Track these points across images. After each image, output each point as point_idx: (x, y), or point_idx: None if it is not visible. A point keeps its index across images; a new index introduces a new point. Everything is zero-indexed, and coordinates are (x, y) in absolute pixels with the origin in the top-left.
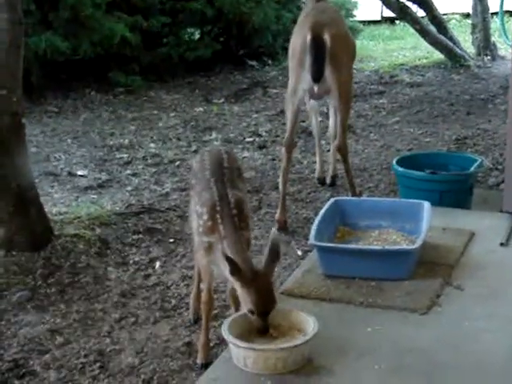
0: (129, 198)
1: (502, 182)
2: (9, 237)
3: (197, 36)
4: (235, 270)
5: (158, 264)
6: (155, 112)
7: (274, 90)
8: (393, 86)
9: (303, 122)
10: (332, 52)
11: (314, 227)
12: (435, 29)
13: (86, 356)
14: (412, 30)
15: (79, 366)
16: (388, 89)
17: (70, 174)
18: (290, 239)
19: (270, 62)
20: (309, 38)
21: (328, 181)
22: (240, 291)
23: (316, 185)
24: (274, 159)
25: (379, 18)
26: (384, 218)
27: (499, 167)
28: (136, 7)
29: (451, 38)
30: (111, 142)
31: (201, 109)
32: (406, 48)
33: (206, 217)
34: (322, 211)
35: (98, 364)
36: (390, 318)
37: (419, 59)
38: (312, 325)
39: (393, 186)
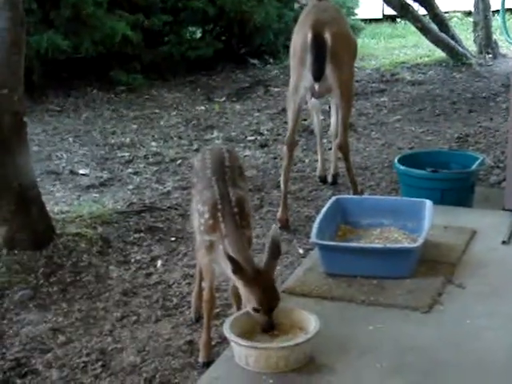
0: (130, 197)
1: (504, 180)
2: (10, 236)
3: (198, 34)
4: (237, 268)
5: (159, 262)
6: (157, 111)
7: (276, 89)
8: (394, 85)
9: (305, 120)
10: (333, 50)
11: (315, 225)
12: (437, 27)
13: (87, 355)
14: (413, 28)
15: (81, 364)
16: (389, 87)
17: (72, 172)
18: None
19: (271, 60)
20: (310, 36)
21: (329, 179)
22: (243, 290)
23: (317, 183)
24: (275, 158)
25: (380, 16)
26: (386, 217)
27: (501, 165)
28: (137, 5)
29: (453, 36)
30: (113, 141)
31: (202, 107)
32: (408, 46)
33: (207, 215)
34: (324, 209)
35: (99, 363)
36: (392, 316)
37: (421, 57)
38: (314, 323)
39: (394, 185)
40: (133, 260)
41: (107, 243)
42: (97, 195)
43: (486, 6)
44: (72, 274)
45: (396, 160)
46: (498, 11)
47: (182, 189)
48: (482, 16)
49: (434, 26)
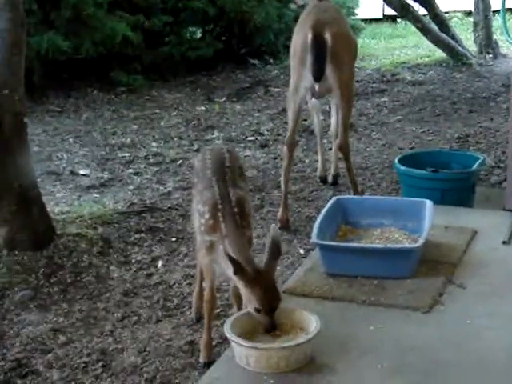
0: (131, 197)
1: (505, 180)
2: (11, 236)
3: (198, 35)
4: (238, 269)
5: (160, 263)
6: (157, 111)
7: (276, 89)
8: (394, 85)
9: (305, 120)
10: (333, 51)
11: (316, 226)
12: (437, 27)
13: (88, 355)
14: (414, 29)
15: (82, 365)
16: (390, 87)
17: (72, 173)
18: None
19: (271, 60)
20: (310, 36)
21: (330, 179)
22: (244, 290)
23: (318, 183)
24: (275, 158)
25: (381, 17)
26: (386, 217)
27: (501, 165)
28: (138, 6)
29: (453, 36)
30: (113, 141)
31: (203, 108)
32: (408, 46)
33: (207, 215)
34: (324, 210)
35: (100, 363)
36: (393, 316)
37: (421, 57)
38: (314, 323)
39: (395, 185)
40: (133, 260)
41: (108, 244)
42: (97, 196)
43: (487, 6)
44: (72, 275)
45: (396, 160)
46: (498, 11)
47: (183, 189)
48: (483, 16)
49: (434, 26)
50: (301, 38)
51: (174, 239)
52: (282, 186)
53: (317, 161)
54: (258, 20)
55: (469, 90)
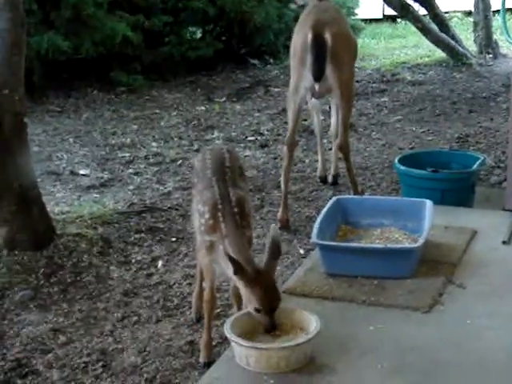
0: (131, 197)
1: (505, 180)
2: (11, 236)
3: (198, 35)
4: (238, 269)
5: (160, 263)
6: (157, 111)
7: (276, 89)
8: (395, 85)
9: (305, 120)
10: (333, 51)
11: (316, 226)
12: (437, 27)
13: (88, 355)
14: (414, 29)
15: (82, 365)
16: (390, 87)
17: (72, 173)
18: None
19: (271, 60)
20: (310, 36)
21: (330, 179)
22: (244, 290)
23: (318, 183)
24: (275, 158)
25: (381, 17)
26: (386, 217)
27: (501, 165)
28: (138, 6)
29: (453, 36)
30: (113, 141)
31: (203, 108)
32: (408, 46)
33: (207, 215)
34: (324, 210)
35: (100, 363)
36: (393, 316)
37: (421, 57)
38: (314, 323)
39: (395, 185)
40: (133, 260)
41: (108, 243)
42: (97, 196)
43: (487, 6)
44: (72, 275)
45: (396, 160)
46: (498, 11)
47: (183, 189)
48: (483, 16)
49: (434, 26)
50: (301, 38)
51: (174, 239)
52: (282, 186)
53: (317, 161)
54: (258, 20)
55: (469, 90)
